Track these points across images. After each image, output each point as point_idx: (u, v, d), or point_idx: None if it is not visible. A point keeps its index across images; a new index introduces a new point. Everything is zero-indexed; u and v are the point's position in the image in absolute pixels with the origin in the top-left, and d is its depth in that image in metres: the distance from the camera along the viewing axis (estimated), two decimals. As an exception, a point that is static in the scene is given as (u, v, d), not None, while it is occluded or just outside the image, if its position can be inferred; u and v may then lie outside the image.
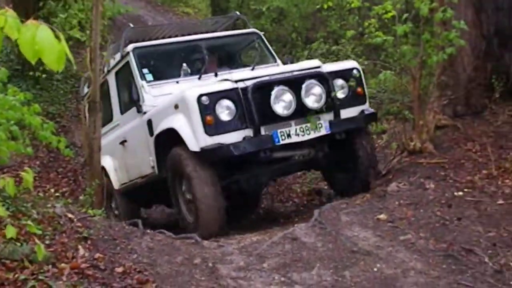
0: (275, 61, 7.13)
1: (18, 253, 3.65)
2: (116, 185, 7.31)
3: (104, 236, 4.38)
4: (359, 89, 5.90)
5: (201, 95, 5.25)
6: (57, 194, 8.83)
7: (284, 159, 5.86)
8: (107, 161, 7.37)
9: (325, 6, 10.78)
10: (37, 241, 3.51)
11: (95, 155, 6.44)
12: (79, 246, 4.06)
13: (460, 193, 5.09)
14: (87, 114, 6.69)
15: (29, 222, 3.84)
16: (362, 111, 5.89)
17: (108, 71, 7.25)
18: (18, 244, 3.75)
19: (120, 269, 3.90)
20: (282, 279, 3.98)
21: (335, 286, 3.94)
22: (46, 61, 1.46)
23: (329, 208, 5.19)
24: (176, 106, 5.49)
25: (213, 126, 5.25)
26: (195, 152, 5.30)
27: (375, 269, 4.10)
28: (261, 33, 7.32)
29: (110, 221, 5.17)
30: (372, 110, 6.13)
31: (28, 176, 2.42)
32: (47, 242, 3.96)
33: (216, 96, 5.31)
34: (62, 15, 10.41)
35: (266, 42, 7.31)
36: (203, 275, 4.03)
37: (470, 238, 4.46)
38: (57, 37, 1.45)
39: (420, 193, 5.18)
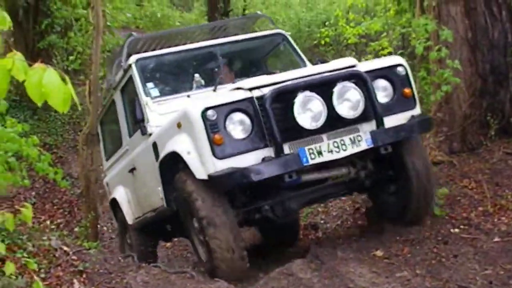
0: (305, 66, 5.98)
1: (13, 287, 3.63)
2: (130, 219, 6.41)
3: (99, 270, 4.36)
4: (406, 90, 4.81)
5: (206, 109, 4.27)
6: (52, 225, 8.80)
7: (318, 181, 4.93)
8: (119, 192, 6.60)
9: (323, 42, 10.94)
10: (35, 277, 3.51)
11: (91, 187, 6.45)
12: (74, 280, 4.05)
13: (456, 230, 5.09)
14: (82, 146, 6.64)
15: (27, 258, 3.83)
16: (412, 117, 4.78)
17: (114, 89, 6.31)
18: (13, 277, 3.73)
19: (115, 304, 3.88)
20: (278, 315, 3.95)
21: (331, 323, 3.92)
22: (52, 103, 1.49)
23: (325, 243, 5.18)
24: (179, 125, 4.56)
25: (223, 147, 4.27)
26: (203, 180, 4.36)
27: (372, 306, 4.08)
28: (287, 34, 6.30)
29: (105, 254, 5.13)
30: (426, 115, 5.07)
31: (27, 211, 2.43)
32: (42, 275, 3.95)
33: (225, 109, 4.33)
34: (71, 57, 10.55)
35: (294, 44, 6.23)
36: (198, 310, 4.00)
37: (466, 276, 4.44)
38: (63, 79, 1.47)
39: (417, 229, 5.18)
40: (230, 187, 4.41)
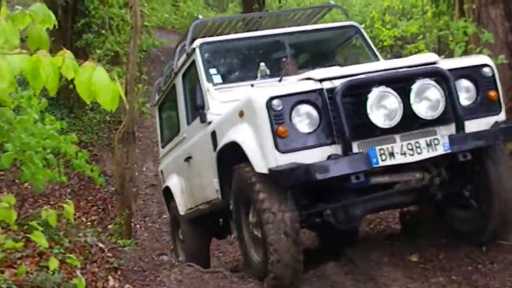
0: (378, 60, 5.62)
1: (50, 282, 3.68)
2: (182, 210, 6.15)
3: (133, 267, 4.41)
4: (491, 93, 4.40)
5: (271, 98, 3.99)
6: (87, 223, 8.92)
7: (386, 186, 4.56)
8: (173, 181, 6.36)
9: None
10: (78, 274, 3.55)
11: (126, 185, 6.50)
12: (109, 277, 4.09)
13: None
14: (118, 144, 6.65)
15: (65, 253, 3.88)
16: (497, 123, 4.36)
17: (175, 74, 6.06)
18: (50, 272, 3.79)
19: (149, 301, 3.91)
20: (311, 317, 3.94)
21: (364, 327, 3.89)
22: (101, 101, 1.51)
23: (359, 247, 5.13)
24: (241, 113, 4.28)
25: (287, 140, 3.97)
26: (265, 175, 4.07)
27: (405, 311, 4.04)
28: (361, 26, 5.92)
29: (139, 252, 5.18)
30: (510, 122, 4.60)
31: (69, 208, 2.47)
32: (78, 271, 4.00)
33: (292, 100, 4.03)
34: (99, 51, 10.67)
35: (367, 38, 5.85)
36: (230, 310, 4.01)
37: (503, 283, 4.36)
38: (112, 78, 1.49)
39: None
40: (292, 184, 4.03)
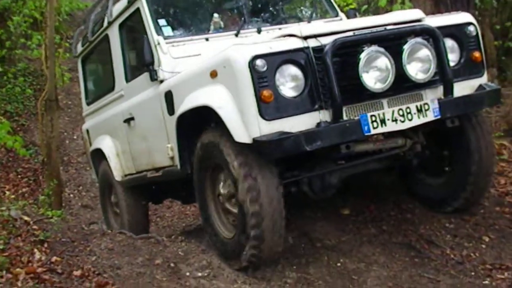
0: (337, 15, 5.24)
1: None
2: (117, 175, 5.62)
3: (61, 239, 4.27)
4: (476, 54, 4.16)
5: (255, 57, 3.52)
6: (17, 195, 8.62)
7: (367, 153, 4.25)
8: (105, 143, 5.78)
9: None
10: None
11: (53, 155, 6.25)
12: (35, 250, 3.94)
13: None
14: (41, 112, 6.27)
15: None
16: (481, 86, 4.14)
17: (110, 23, 5.38)
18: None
19: (78, 272, 3.79)
20: (246, 277, 3.92)
21: (298, 281, 3.91)
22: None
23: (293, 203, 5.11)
24: (214, 74, 3.79)
25: (272, 106, 3.54)
26: (244, 144, 3.64)
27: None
28: None
29: (68, 223, 5.02)
30: (494, 85, 4.34)
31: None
32: (0, 246, 3.83)
33: (277, 60, 3.58)
34: (16, 17, 10.07)
35: None
36: (164, 275, 3.94)
37: (432, 227, 4.49)
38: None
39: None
40: (279, 156, 3.63)
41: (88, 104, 6.47)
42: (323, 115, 3.66)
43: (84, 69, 6.61)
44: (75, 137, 10.84)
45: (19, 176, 10.07)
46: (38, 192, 9.28)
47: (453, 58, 4.09)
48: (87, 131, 6.44)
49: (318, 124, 3.62)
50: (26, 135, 10.68)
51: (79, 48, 6.49)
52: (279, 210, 3.74)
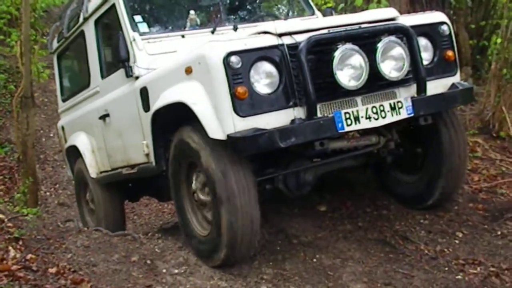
0: (313, 14, 5.26)
1: None
2: (93, 172, 5.60)
3: (37, 236, 4.23)
4: (449, 53, 4.22)
5: (230, 54, 3.55)
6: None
7: (342, 151, 4.26)
8: (80, 140, 5.74)
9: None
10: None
11: (29, 152, 6.19)
12: (10, 248, 3.90)
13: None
14: (16, 109, 6.19)
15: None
16: (454, 85, 4.20)
17: (85, 19, 5.37)
18: None
19: (53, 270, 3.76)
20: (222, 274, 3.93)
21: (275, 278, 3.93)
22: None
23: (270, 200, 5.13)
24: (189, 70, 3.80)
25: (246, 102, 3.56)
26: (218, 142, 3.67)
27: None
28: None
29: (43, 220, 4.98)
30: (466, 84, 4.43)
31: None
32: (-28, 245, 3.80)
33: (252, 57, 3.60)
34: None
35: None
36: (141, 272, 3.94)
37: (407, 223, 4.54)
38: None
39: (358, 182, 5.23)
40: (253, 152, 3.64)
41: (64, 100, 6.42)
42: (298, 112, 3.68)
43: (60, 66, 6.56)
44: (51, 134, 10.73)
45: (-6, 174, 9.95)
46: (13, 190, 9.16)
47: (426, 56, 4.14)
48: (62, 127, 6.40)
49: (293, 121, 3.64)
50: (1, 133, 10.55)
51: (55, 44, 6.43)
52: (254, 207, 3.74)
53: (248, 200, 3.71)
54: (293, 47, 3.69)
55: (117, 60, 4.59)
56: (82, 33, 5.52)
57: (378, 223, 4.60)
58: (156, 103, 4.14)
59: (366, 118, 3.77)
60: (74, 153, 5.92)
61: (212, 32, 4.70)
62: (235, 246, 3.78)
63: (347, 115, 3.71)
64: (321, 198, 5.07)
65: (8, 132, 10.48)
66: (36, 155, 10.23)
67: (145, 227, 7.60)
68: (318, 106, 3.70)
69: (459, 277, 3.88)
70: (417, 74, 3.96)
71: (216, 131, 3.61)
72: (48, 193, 9.60)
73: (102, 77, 5.21)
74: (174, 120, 4.07)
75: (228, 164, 3.69)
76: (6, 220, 4.30)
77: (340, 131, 3.71)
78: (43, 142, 10.65)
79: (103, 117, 5.17)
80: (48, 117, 11.15)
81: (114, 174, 5.24)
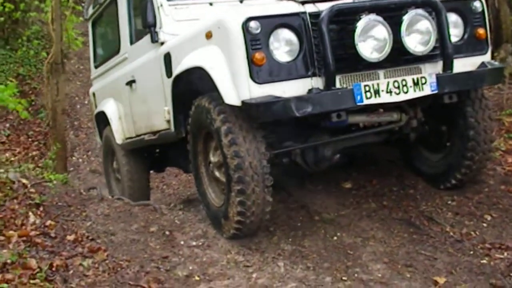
0: None
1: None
2: (119, 138, 5.58)
3: (58, 203, 4.26)
4: (480, 31, 4.08)
5: (249, 19, 3.49)
6: (12, 158, 8.64)
7: (362, 127, 4.21)
8: (109, 106, 5.72)
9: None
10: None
11: (58, 118, 6.23)
12: (30, 213, 3.93)
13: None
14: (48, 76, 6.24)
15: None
16: (483, 64, 4.06)
17: None
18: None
19: (71, 237, 3.78)
20: (240, 247, 3.88)
21: (293, 254, 3.86)
22: None
23: (294, 175, 5.05)
24: (209, 35, 3.75)
25: (263, 69, 3.50)
26: (232, 107, 3.63)
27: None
28: None
29: (68, 187, 5.00)
30: (497, 63, 4.27)
31: None
32: (-7, 209, 3.84)
33: (272, 23, 3.54)
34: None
35: None
36: (158, 243, 3.92)
37: (435, 205, 4.40)
38: None
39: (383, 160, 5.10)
40: (267, 120, 3.60)
41: (96, 67, 6.45)
42: (316, 82, 3.61)
43: (94, 32, 6.58)
44: (86, 101, 10.84)
45: (30, 139, 10.13)
46: (47, 155, 9.32)
47: (456, 33, 4.02)
48: (93, 94, 6.43)
49: (310, 91, 3.57)
50: (37, 98, 10.71)
51: (90, 11, 6.44)
52: (265, 176, 3.69)
53: (259, 169, 3.65)
54: (315, 15, 3.61)
55: (144, 25, 4.54)
56: (114, 0, 5.51)
57: (404, 202, 4.47)
58: (177, 68, 4.12)
59: (387, 92, 3.66)
60: (103, 120, 5.94)
61: (241, 1, 4.63)
62: (246, 215, 3.74)
63: (367, 88, 3.62)
64: (347, 175, 4.96)
65: (44, 98, 10.63)
66: (70, 121, 10.37)
67: (173, 197, 7.61)
68: (338, 77, 3.63)
69: (484, 261, 3.74)
70: (444, 50, 3.83)
71: (231, 97, 3.57)
72: (80, 160, 9.74)
73: (131, 43, 5.20)
74: (194, 86, 4.02)
75: (240, 133, 3.64)
76: (29, 185, 4.32)
77: (358, 104, 3.61)
78: (78, 109, 10.78)
79: (130, 83, 5.16)
80: (83, 84, 11.25)
81: (137, 140, 5.24)
